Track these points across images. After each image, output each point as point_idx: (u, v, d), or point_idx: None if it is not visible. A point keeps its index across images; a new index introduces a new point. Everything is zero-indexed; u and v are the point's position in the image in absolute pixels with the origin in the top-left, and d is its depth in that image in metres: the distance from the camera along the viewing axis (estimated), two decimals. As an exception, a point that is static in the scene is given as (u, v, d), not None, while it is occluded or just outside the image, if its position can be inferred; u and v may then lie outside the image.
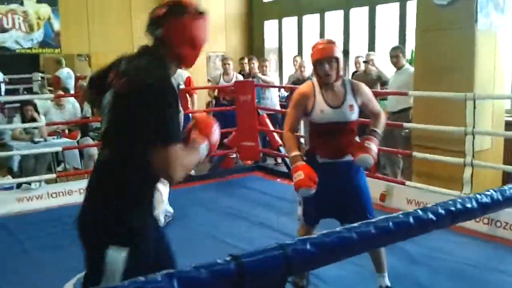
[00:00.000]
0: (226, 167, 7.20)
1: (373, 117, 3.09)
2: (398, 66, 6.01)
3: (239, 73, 8.13)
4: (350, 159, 2.97)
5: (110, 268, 1.63)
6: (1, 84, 9.19)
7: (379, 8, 8.05)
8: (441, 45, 4.98)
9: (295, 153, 2.97)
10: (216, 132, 1.96)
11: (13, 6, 8.04)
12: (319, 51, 2.98)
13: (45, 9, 8.32)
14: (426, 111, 5.19)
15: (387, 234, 0.99)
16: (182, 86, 6.66)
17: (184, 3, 1.87)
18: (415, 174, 5.42)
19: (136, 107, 1.68)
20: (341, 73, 3.00)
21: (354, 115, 3.00)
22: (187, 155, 1.74)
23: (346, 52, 3.10)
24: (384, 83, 6.55)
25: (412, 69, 5.73)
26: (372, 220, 1.01)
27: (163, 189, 4.28)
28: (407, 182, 5.10)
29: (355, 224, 0.96)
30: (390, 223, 0.99)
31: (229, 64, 7.52)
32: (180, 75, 6.79)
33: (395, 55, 5.98)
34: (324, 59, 2.91)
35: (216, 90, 7.74)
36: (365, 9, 8.20)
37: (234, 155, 7.33)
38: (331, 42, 3.02)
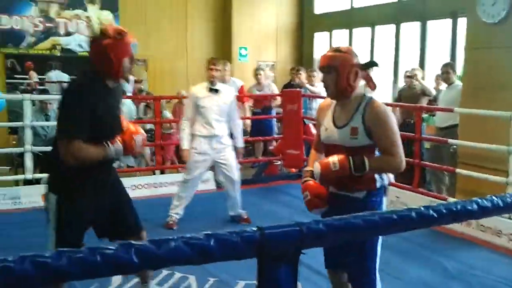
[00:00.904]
0: (270, 174, 7.39)
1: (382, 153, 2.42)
2: (448, 82, 6.01)
3: (289, 82, 8.31)
4: (352, 195, 2.42)
5: (49, 205, 2.52)
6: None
7: (431, 24, 8.05)
8: (489, 63, 4.98)
9: (306, 168, 2.63)
10: (136, 139, 2.57)
11: (78, 11, 8.60)
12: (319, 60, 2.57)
13: (107, 15, 8.85)
14: (472, 129, 5.18)
15: (390, 224, 1.14)
16: (236, 94, 6.91)
17: (104, 30, 2.46)
18: (459, 192, 5.40)
19: (58, 107, 2.59)
20: (353, 86, 2.43)
21: (356, 141, 2.37)
22: (84, 149, 2.38)
23: (371, 64, 2.15)
24: (434, 99, 6.56)
25: (461, 85, 5.74)
26: (378, 211, 1.17)
27: (182, 193, 4.89)
28: (449, 199, 5.11)
29: (365, 213, 1.13)
30: (394, 215, 1.15)
31: (261, 74, 7.63)
32: (235, 84, 7.06)
33: (446, 71, 5.99)
34: (321, 69, 2.48)
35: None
36: (417, 24, 8.22)
37: (279, 162, 7.51)
38: (335, 50, 2.48)
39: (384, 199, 2.46)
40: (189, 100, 4.86)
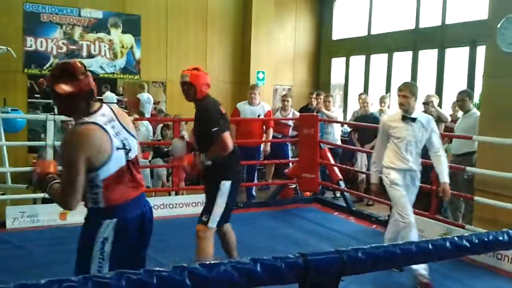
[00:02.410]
0: (285, 197, 7.40)
1: None
2: (464, 110, 6.02)
3: (306, 106, 8.39)
4: None
5: (222, 191, 3.73)
6: None
7: (449, 52, 8.10)
8: (507, 92, 5.00)
9: None
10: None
11: (101, 34, 8.81)
12: None
13: (129, 39, 9.05)
14: (490, 156, 5.17)
15: (426, 253, 1.17)
16: (261, 117, 7.10)
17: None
18: (476, 219, 5.37)
19: (200, 119, 3.81)
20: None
21: None
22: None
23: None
24: (452, 124, 6.58)
25: (478, 113, 5.74)
26: (415, 241, 1.20)
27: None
28: (467, 226, 5.09)
29: (400, 242, 1.16)
30: (429, 245, 1.18)
31: (288, 100, 7.77)
32: (263, 108, 7.20)
33: (461, 98, 6.01)
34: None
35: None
36: (434, 52, 8.27)
37: (294, 186, 7.53)
38: None
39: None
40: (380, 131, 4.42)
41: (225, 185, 3.68)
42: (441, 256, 1.24)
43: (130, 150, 2.36)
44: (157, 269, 0.89)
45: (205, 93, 3.71)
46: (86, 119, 2.22)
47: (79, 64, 2.28)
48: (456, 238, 1.24)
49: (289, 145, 7.85)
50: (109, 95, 9.01)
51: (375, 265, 1.13)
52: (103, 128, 2.24)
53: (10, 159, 7.72)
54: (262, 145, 7.31)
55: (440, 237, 4.18)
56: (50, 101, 8.55)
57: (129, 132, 2.38)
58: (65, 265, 3.89)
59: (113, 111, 2.37)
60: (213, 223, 3.68)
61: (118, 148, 2.28)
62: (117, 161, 2.29)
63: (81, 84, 2.19)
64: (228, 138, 3.60)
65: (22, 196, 6.52)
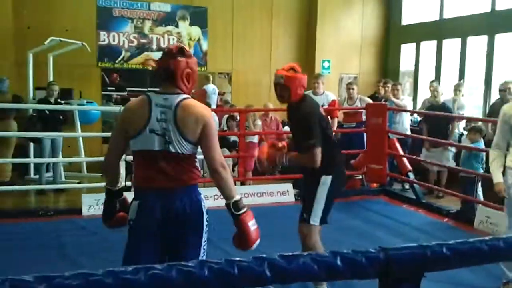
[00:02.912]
0: (352, 188, 7.28)
1: None
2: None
3: (373, 94, 8.17)
4: None
5: (323, 185, 3.49)
6: None
7: (528, 35, 7.61)
8: None
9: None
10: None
11: (169, 28, 9.03)
12: None
13: (196, 31, 9.21)
14: None
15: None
16: (325, 106, 6.89)
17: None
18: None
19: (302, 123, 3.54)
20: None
21: None
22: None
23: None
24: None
25: None
26: (503, 236, 1.13)
27: None
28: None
29: (487, 237, 1.10)
30: (518, 240, 1.11)
31: (353, 89, 7.48)
32: (327, 97, 7.05)
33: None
34: None
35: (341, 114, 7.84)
36: (511, 35, 7.80)
37: (360, 177, 7.38)
38: None
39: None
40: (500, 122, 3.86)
41: (326, 180, 3.46)
42: (532, 253, 1.16)
43: (170, 142, 2.36)
44: (238, 259, 0.90)
45: (300, 95, 3.43)
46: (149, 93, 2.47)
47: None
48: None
49: (365, 134, 7.60)
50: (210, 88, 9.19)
51: (460, 261, 1.08)
52: (150, 104, 2.37)
53: (86, 149, 8.14)
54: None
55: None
56: (124, 93, 8.93)
57: (178, 129, 2.37)
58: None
59: (178, 106, 2.37)
60: (315, 220, 3.47)
61: (152, 131, 2.34)
62: (147, 142, 2.35)
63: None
64: (319, 154, 3.33)
65: (97, 184, 6.84)
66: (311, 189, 3.50)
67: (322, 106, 6.86)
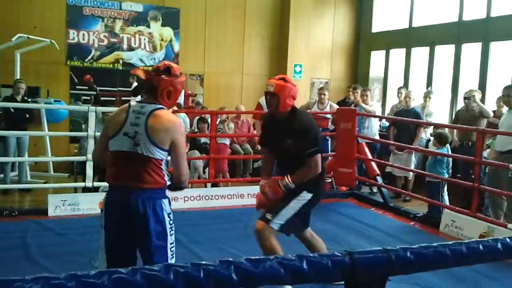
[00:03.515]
0: (321, 191, 7.34)
1: None
2: (509, 106, 5.81)
3: (343, 100, 8.28)
4: None
5: (300, 198, 3.47)
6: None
7: (494, 45, 7.83)
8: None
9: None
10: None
11: (141, 28, 8.93)
12: None
13: (168, 32, 9.14)
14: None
15: (477, 254, 1.13)
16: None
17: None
18: (519, 218, 5.20)
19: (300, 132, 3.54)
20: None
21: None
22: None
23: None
24: (496, 120, 6.38)
25: (525, 109, 5.54)
26: (465, 241, 1.16)
27: None
28: (509, 225, 4.93)
29: (450, 242, 1.13)
30: (480, 245, 1.14)
31: (325, 94, 7.57)
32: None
33: (507, 94, 5.80)
34: None
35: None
36: (478, 45, 8.01)
37: (330, 180, 7.46)
38: None
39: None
40: None
41: (306, 196, 3.43)
42: (493, 257, 1.19)
43: (139, 144, 2.53)
44: (204, 262, 0.89)
45: (289, 105, 3.44)
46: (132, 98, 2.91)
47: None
48: (508, 239, 1.19)
49: (329, 139, 7.73)
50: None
51: (424, 265, 1.10)
52: (128, 110, 2.62)
53: (53, 149, 7.97)
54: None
55: (481, 236, 4.06)
56: (93, 92, 8.78)
57: (147, 134, 2.53)
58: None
59: (151, 113, 2.57)
60: (275, 224, 3.38)
61: (125, 134, 2.56)
62: (120, 143, 2.57)
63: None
64: (320, 161, 3.40)
65: (63, 185, 6.72)
66: (286, 197, 3.41)
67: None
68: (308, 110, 7.29)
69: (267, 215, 3.41)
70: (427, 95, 7.72)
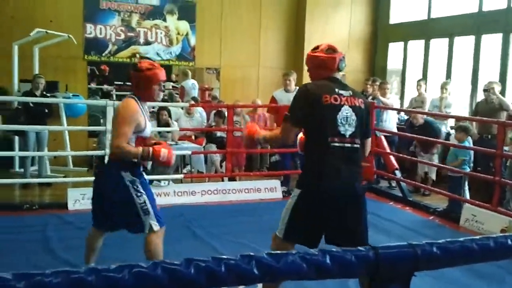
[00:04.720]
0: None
1: None
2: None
3: (361, 93, 8.18)
4: None
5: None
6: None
7: (515, 35, 7.67)
8: None
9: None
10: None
11: (157, 21, 8.94)
12: None
13: (184, 25, 9.13)
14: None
15: (505, 249, 1.09)
16: None
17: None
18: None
19: None
20: None
21: None
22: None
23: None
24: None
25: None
26: (493, 236, 1.13)
27: None
28: (532, 220, 4.84)
29: (477, 237, 1.09)
30: (509, 240, 1.10)
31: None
32: None
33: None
34: None
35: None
36: (499, 36, 7.85)
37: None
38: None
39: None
40: None
41: (295, 193, 2.87)
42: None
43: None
44: (225, 257, 0.88)
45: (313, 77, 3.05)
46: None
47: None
48: (537, 234, 1.15)
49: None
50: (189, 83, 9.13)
51: (451, 261, 1.07)
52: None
53: (72, 143, 8.05)
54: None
55: (503, 230, 3.99)
56: (110, 87, 8.85)
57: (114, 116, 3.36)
58: (126, 245, 4.02)
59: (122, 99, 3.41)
60: (279, 232, 2.90)
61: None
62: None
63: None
64: (289, 131, 2.90)
65: (82, 179, 6.77)
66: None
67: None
68: None
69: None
70: (443, 86, 7.61)
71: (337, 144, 2.75)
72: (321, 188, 2.74)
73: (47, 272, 0.76)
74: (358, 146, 2.80)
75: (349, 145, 2.77)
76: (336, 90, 2.83)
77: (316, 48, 3.02)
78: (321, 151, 2.78)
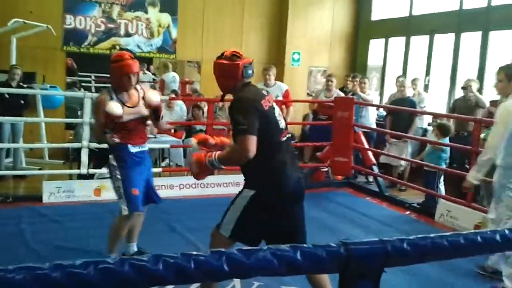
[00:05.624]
0: (317, 180, 7.34)
1: None
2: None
3: (341, 89, 8.23)
4: None
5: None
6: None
7: (493, 35, 7.78)
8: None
9: None
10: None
11: (139, 13, 8.83)
12: None
13: (166, 18, 9.03)
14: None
15: (475, 245, 1.11)
16: (280, 98, 6.86)
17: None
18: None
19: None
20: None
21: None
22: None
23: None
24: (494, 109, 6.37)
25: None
26: (463, 232, 1.15)
27: None
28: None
29: (447, 233, 1.11)
30: (479, 237, 1.12)
31: (332, 81, 7.54)
32: (279, 88, 7.04)
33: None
34: None
35: (316, 105, 7.85)
36: (478, 35, 7.96)
37: (326, 169, 7.45)
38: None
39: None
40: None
41: (247, 193, 2.76)
42: (491, 249, 1.17)
43: None
44: (194, 253, 0.87)
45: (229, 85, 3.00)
46: None
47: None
48: (506, 231, 1.17)
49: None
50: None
51: (421, 257, 1.08)
52: None
53: (48, 135, 7.92)
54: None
55: (476, 226, 4.06)
56: (89, 79, 8.71)
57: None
58: (99, 239, 3.98)
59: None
60: (224, 229, 2.82)
61: None
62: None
63: None
64: (250, 143, 2.61)
65: (58, 171, 6.69)
66: (236, 195, 2.88)
67: (277, 97, 6.84)
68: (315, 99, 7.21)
69: (221, 218, 2.90)
70: (413, 83, 7.79)
71: (283, 139, 2.85)
72: (282, 188, 2.76)
73: (10, 268, 0.74)
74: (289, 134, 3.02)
75: (288, 135, 2.93)
76: (263, 92, 2.95)
77: (221, 55, 2.97)
78: (274, 150, 2.77)
